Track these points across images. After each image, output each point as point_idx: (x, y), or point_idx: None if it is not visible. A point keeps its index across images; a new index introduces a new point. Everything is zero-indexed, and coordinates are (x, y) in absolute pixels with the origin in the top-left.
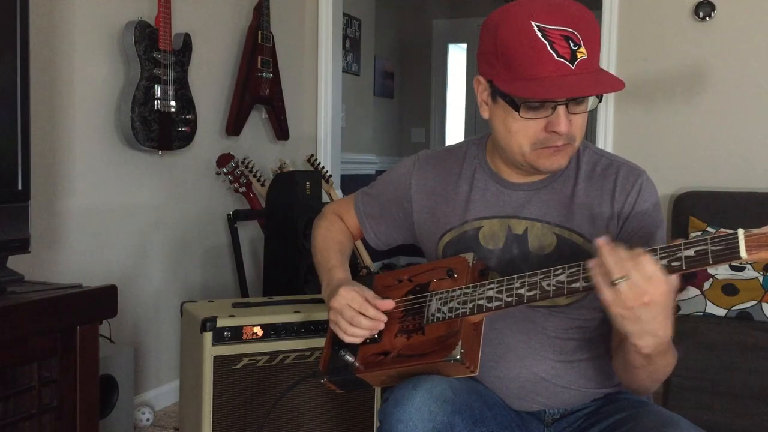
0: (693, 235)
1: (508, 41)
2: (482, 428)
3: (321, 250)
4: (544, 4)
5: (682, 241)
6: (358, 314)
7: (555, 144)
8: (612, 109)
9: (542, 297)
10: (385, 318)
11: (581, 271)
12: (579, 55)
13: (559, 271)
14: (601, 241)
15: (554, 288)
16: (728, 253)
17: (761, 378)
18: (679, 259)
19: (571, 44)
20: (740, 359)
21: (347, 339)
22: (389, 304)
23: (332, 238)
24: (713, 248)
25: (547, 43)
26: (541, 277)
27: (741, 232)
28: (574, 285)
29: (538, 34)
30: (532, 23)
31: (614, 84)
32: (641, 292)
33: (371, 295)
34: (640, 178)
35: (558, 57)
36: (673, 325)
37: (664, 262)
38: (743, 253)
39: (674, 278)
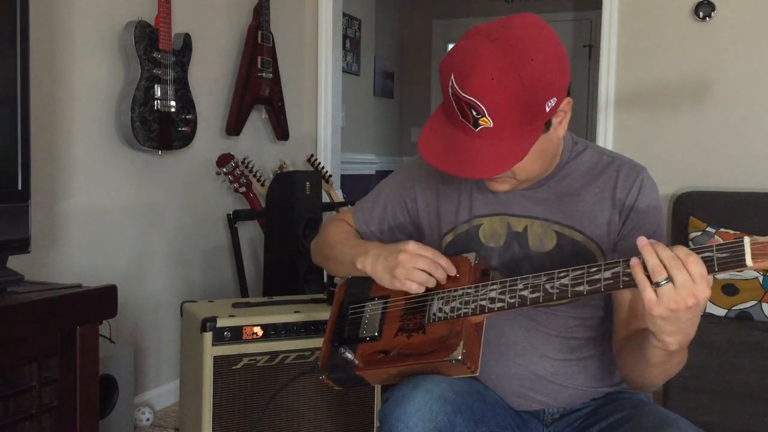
0: (693, 235)
1: (440, 78)
2: (483, 428)
3: (342, 241)
4: (462, 63)
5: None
6: (432, 261)
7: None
8: (612, 109)
9: (545, 300)
10: (455, 270)
11: (585, 275)
12: (481, 123)
13: (563, 274)
14: (642, 241)
15: (558, 291)
16: (734, 260)
17: (761, 378)
18: None
19: (474, 113)
20: (740, 359)
21: (414, 288)
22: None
23: (348, 232)
24: (719, 255)
25: (454, 101)
26: (545, 279)
27: (747, 240)
28: (577, 288)
29: (450, 90)
30: (451, 77)
31: (487, 169)
32: (687, 295)
33: None
34: (641, 175)
35: (462, 118)
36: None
37: None
38: (749, 261)
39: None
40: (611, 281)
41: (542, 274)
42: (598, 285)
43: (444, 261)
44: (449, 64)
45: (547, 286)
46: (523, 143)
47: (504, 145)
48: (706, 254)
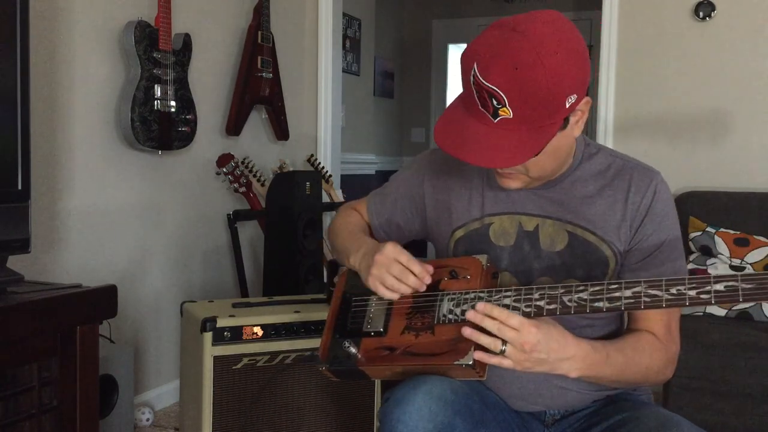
0: (693, 235)
1: (460, 66)
2: (482, 429)
3: (344, 233)
4: (487, 52)
5: (711, 275)
6: (405, 270)
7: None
8: (612, 107)
9: (563, 312)
10: (429, 279)
11: (605, 291)
12: (501, 113)
13: (581, 288)
14: (467, 331)
15: (575, 305)
16: (760, 292)
17: (761, 378)
18: (708, 292)
19: (494, 102)
20: (740, 359)
21: (388, 294)
22: (430, 268)
23: (354, 223)
24: (744, 286)
25: (475, 90)
26: (562, 291)
27: None
28: (596, 304)
29: (471, 79)
30: (474, 65)
31: (504, 160)
32: (521, 345)
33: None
34: (654, 179)
35: (481, 107)
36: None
37: (693, 293)
38: None
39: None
40: (632, 301)
41: (559, 285)
42: (619, 303)
43: (417, 268)
44: (472, 52)
45: (565, 299)
46: (541, 136)
47: (522, 136)
48: (731, 284)
